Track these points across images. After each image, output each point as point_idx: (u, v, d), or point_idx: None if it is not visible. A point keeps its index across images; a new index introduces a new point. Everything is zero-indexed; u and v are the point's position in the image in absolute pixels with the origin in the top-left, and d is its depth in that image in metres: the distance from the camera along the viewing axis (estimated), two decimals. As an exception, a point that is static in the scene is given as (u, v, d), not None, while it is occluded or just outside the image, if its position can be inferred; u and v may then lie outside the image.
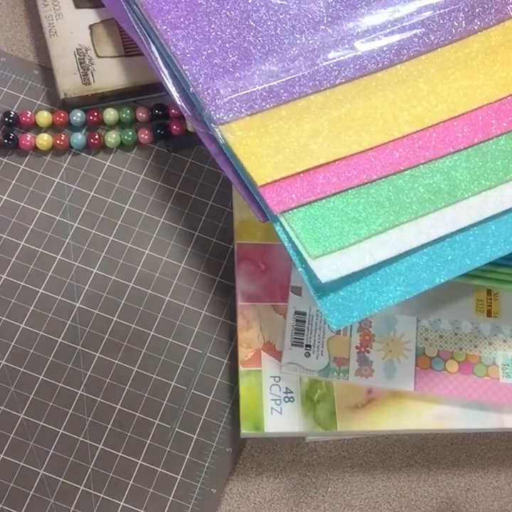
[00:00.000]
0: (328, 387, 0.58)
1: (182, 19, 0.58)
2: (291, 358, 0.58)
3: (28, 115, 0.64)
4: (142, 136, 0.65)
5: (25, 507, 0.56)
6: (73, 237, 0.63)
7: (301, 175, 0.53)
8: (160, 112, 0.65)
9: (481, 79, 0.58)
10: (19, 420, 0.58)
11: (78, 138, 0.64)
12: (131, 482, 0.58)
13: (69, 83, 0.64)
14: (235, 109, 0.56)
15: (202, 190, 0.65)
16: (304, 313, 0.59)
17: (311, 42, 0.58)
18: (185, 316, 0.62)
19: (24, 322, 0.60)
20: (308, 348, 0.58)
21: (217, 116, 0.55)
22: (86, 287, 0.62)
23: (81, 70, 0.64)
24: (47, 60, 0.66)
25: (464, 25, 0.59)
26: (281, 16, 0.59)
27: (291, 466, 0.60)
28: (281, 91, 0.56)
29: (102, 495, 0.57)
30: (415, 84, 0.58)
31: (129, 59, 0.65)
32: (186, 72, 0.57)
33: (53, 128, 0.65)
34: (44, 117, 0.64)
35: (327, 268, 0.50)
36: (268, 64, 0.58)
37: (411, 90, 0.57)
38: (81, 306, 0.61)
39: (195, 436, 0.59)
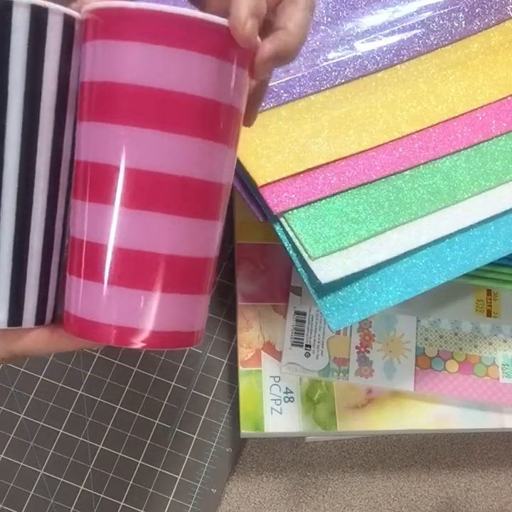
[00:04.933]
0: (328, 387, 0.58)
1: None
2: (291, 358, 0.58)
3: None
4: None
5: (25, 507, 0.56)
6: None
7: (301, 175, 0.53)
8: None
9: (481, 79, 0.58)
10: (19, 420, 0.58)
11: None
12: (131, 482, 0.58)
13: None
14: (235, 109, 0.56)
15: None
16: (304, 313, 0.59)
17: (311, 42, 0.58)
18: (185, 316, 0.62)
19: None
20: (308, 348, 0.58)
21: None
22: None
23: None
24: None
25: (463, 25, 0.59)
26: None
27: (291, 466, 0.60)
28: (281, 91, 0.56)
29: (102, 495, 0.57)
30: (415, 85, 0.58)
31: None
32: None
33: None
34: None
35: (327, 269, 0.50)
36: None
37: (411, 90, 0.57)
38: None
39: (195, 436, 0.59)
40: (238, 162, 0.54)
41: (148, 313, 0.35)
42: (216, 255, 0.37)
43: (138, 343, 0.35)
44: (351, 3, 0.60)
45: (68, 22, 0.35)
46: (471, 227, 0.53)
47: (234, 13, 0.33)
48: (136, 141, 0.33)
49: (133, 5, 0.32)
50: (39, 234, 0.36)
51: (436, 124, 0.56)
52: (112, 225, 0.34)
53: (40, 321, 0.37)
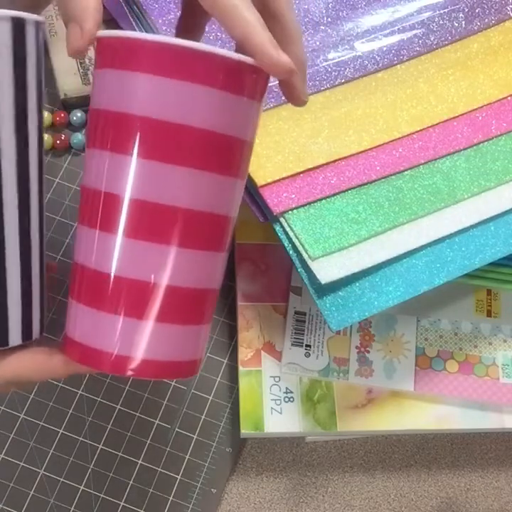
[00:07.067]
0: (328, 387, 0.58)
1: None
2: (291, 358, 0.58)
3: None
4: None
5: (25, 507, 0.56)
6: (74, 237, 0.63)
7: (301, 175, 0.53)
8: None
9: (481, 79, 0.58)
10: (19, 420, 0.58)
11: (78, 138, 0.64)
12: (131, 482, 0.58)
13: (69, 83, 0.64)
14: (235, 109, 0.56)
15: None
16: (304, 313, 0.59)
17: (311, 42, 0.58)
18: (185, 316, 0.62)
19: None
20: (308, 348, 0.58)
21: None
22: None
23: (81, 70, 0.64)
24: (47, 60, 0.65)
25: (463, 25, 0.59)
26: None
27: (291, 466, 0.60)
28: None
29: (102, 495, 0.57)
30: (415, 85, 0.58)
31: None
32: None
33: (53, 128, 0.65)
34: (44, 117, 0.64)
35: (327, 269, 0.50)
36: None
37: (411, 90, 0.57)
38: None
39: (195, 436, 0.59)
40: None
41: (147, 343, 0.35)
42: (218, 287, 0.37)
43: (138, 373, 0.35)
44: (351, 3, 0.60)
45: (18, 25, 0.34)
46: (471, 227, 0.53)
47: (264, 52, 0.33)
48: (145, 174, 0.33)
49: (144, 37, 0.32)
50: (15, 243, 0.36)
51: (436, 124, 0.56)
52: (115, 254, 0.34)
53: (27, 337, 0.37)
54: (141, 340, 0.35)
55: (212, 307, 0.37)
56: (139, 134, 0.33)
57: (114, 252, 0.34)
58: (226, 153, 0.34)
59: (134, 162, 0.33)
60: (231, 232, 0.37)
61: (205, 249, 0.35)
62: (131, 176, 0.33)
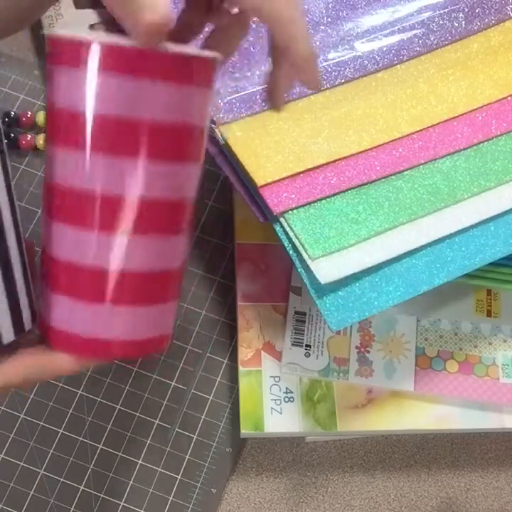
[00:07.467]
0: (328, 387, 0.58)
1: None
2: (291, 358, 0.58)
3: (28, 115, 0.64)
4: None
5: (25, 507, 0.56)
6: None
7: (301, 175, 0.53)
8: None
9: (481, 79, 0.58)
10: (19, 420, 0.58)
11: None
12: (131, 482, 0.58)
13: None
14: (235, 109, 0.56)
15: (202, 191, 0.65)
16: (304, 313, 0.59)
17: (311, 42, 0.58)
18: (186, 316, 0.62)
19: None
20: (308, 348, 0.58)
21: (218, 116, 0.55)
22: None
23: (81, 70, 0.64)
24: (47, 60, 0.65)
25: (463, 25, 0.59)
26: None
27: (291, 466, 0.60)
28: (281, 91, 0.56)
29: (102, 495, 0.57)
30: (415, 85, 0.58)
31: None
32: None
33: (53, 128, 0.65)
34: (44, 117, 0.64)
35: (327, 269, 0.50)
36: (268, 64, 0.58)
37: (411, 90, 0.57)
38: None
39: (195, 436, 0.59)
40: (238, 162, 0.54)
41: (110, 324, 0.36)
42: (180, 266, 0.38)
43: (104, 354, 0.36)
44: (351, 3, 0.60)
45: None
46: (471, 227, 0.53)
47: (305, 64, 0.35)
48: (92, 166, 0.34)
49: (97, 38, 0.32)
50: None
51: (436, 124, 0.56)
52: (73, 244, 0.35)
53: (19, 330, 0.37)
54: (103, 323, 0.35)
55: (175, 285, 0.38)
56: (86, 128, 0.33)
57: (72, 243, 0.35)
58: (176, 140, 0.34)
59: (83, 156, 0.34)
60: (188, 215, 0.37)
61: (161, 234, 0.35)
62: (79, 169, 0.34)
